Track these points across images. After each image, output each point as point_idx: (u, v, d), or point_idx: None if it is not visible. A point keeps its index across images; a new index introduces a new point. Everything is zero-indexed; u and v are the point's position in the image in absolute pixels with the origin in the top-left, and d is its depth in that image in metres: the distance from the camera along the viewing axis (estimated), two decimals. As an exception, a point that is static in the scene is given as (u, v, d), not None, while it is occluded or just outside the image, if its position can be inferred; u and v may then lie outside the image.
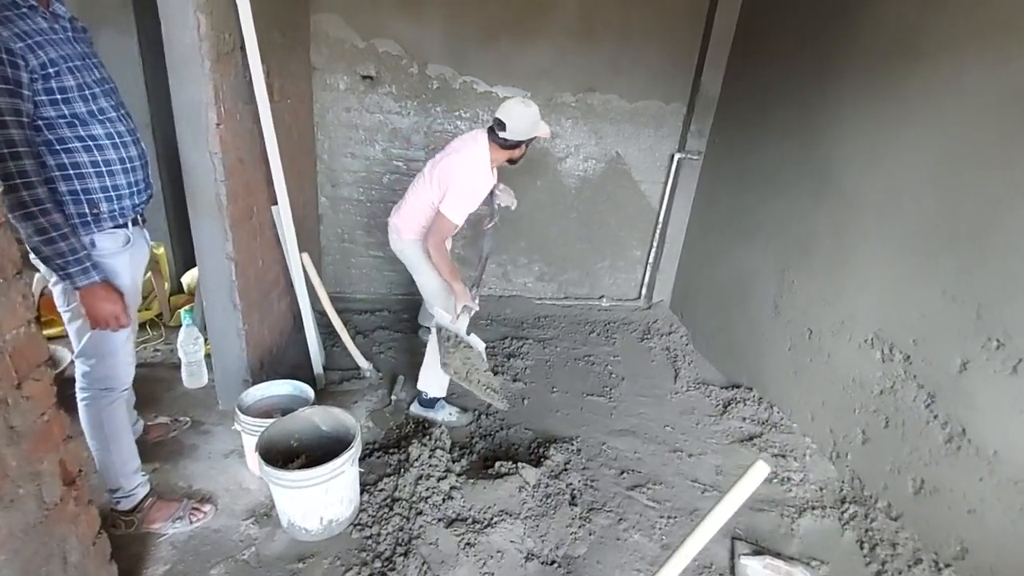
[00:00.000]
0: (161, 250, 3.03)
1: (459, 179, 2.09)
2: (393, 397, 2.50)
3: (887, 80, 2.08)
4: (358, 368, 2.68)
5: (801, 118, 2.58)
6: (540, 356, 3.11)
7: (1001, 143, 1.64)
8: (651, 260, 3.86)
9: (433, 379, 2.31)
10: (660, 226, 3.76)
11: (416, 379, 2.39)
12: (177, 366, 2.51)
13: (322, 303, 2.51)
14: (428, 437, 2.11)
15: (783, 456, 2.31)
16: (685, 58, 3.40)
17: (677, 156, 3.56)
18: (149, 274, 2.98)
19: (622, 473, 2.16)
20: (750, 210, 2.97)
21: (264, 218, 2.41)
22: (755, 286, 2.87)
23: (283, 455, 1.82)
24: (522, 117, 2.07)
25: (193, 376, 2.50)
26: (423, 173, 2.30)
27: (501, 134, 2.09)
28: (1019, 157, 1.58)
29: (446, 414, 2.42)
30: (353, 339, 3.03)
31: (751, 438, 2.44)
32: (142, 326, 3.02)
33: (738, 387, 2.86)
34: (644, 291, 3.96)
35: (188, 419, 2.28)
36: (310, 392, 2.06)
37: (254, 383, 2.31)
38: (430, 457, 1.98)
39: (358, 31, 3.07)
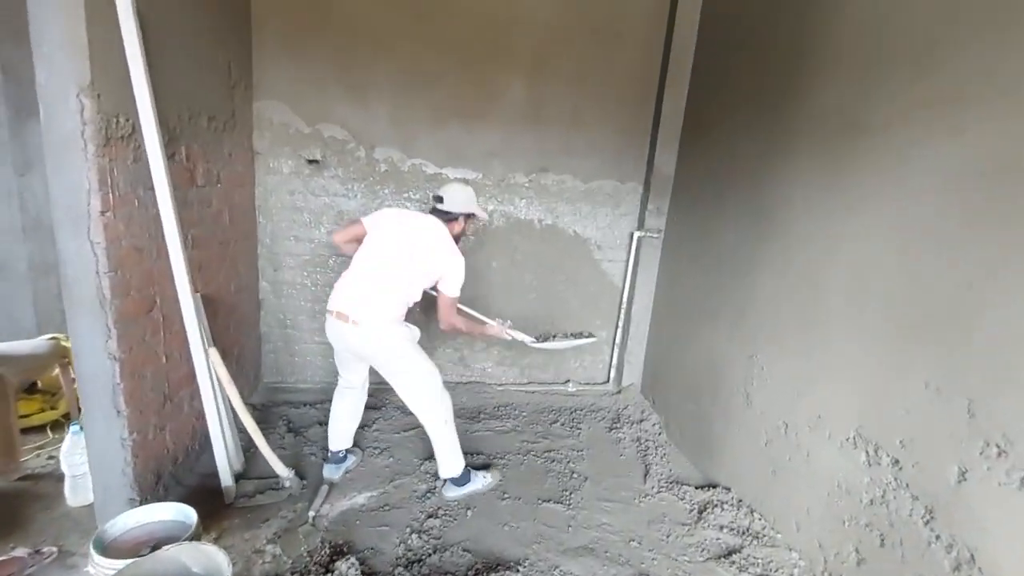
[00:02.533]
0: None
1: (454, 262, 2.22)
2: (312, 513, 2.13)
3: (834, 156, 1.98)
4: (278, 476, 2.32)
5: (755, 197, 2.47)
6: (494, 451, 2.77)
7: (969, 219, 1.48)
8: (618, 341, 3.63)
9: (452, 456, 2.32)
10: (625, 305, 3.57)
11: (344, 483, 2.05)
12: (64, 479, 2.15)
13: (232, 402, 2.20)
14: (328, 573, 1.74)
15: (767, 578, 1.95)
16: (637, 139, 3.38)
17: (637, 234, 3.45)
18: (57, 369, 2.69)
19: (573, 611, 1.78)
20: (713, 291, 2.80)
21: (174, 309, 2.16)
22: (724, 372, 2.62)
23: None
24: (458, 191, 2.34)
25: (77, 492, 2.13)
26: (388, 257, 2.19)
27: (439, 206, 2.30)
28: (991, 233, 1.42)
29: (482, 482, 2.42)
30: (284, 436, 2.73)
31: (730, 553, 2.09)
32: (41, 428, 2.68)
33: (715, 487, 2.53)
34: (612, 374, 3.70)
35: (55, 549, 1.89)
36: (193, 518, 1.72)
37: (144, 501, 1.98)
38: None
39: (303, 117, 3.01)
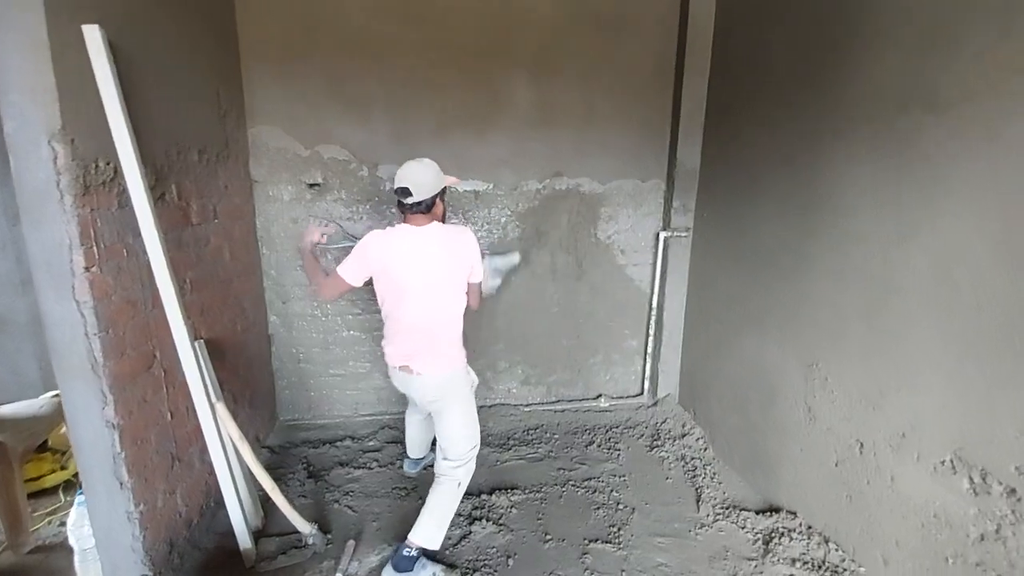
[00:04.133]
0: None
1: (471, 248, 1.97)
2: (339, 575, 1.94)
3: (897, 137, 1.74)
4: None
5: (798, 188, 2.24)
6: (530, 483, 2.57)
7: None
8: (650, 350, 3.40)
9: (440, 527, 1.99)
10: (655, 312, 3.34)
11: (371, 534, 1.93)
12: (78, 551, 1.99)
13: (245, 458, 2.02)
14: None
15: (856, 624, 1.72)
16: (657, 134, 3.15)
17: (663, 235, 3.22)
18: (65, 427, 2.54)
19: None
20: (755, 292, 2.56)
21: (175, 360, 1.99)
22: (777, 382, 2.39)
23: None
24: (420, 175, 1.85)
25: (88, 567, 1.96)
26: (423, 297, 1.90)
27: (409, 202, 1.84)
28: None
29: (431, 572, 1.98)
30: (304, 483, 2.55)
31: (808, 593, 1.86)
32: (53, 491, 2.53)
33: (777, 511, 2.30)
34: (647, 385, 3.47)
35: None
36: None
37: (158, 575, 1.80)
38: None
39: (301, 140, 2.84)
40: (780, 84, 2.36)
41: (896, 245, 1.77)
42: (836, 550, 2.02)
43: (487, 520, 2.26)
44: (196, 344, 2.09)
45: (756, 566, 2.01)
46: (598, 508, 2.39)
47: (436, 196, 1.90)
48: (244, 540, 2.02)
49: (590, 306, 3.34)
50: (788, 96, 2.30)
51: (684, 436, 3.04)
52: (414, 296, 1.90)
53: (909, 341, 1.73)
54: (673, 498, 2.49)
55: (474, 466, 2.11)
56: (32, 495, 2.39)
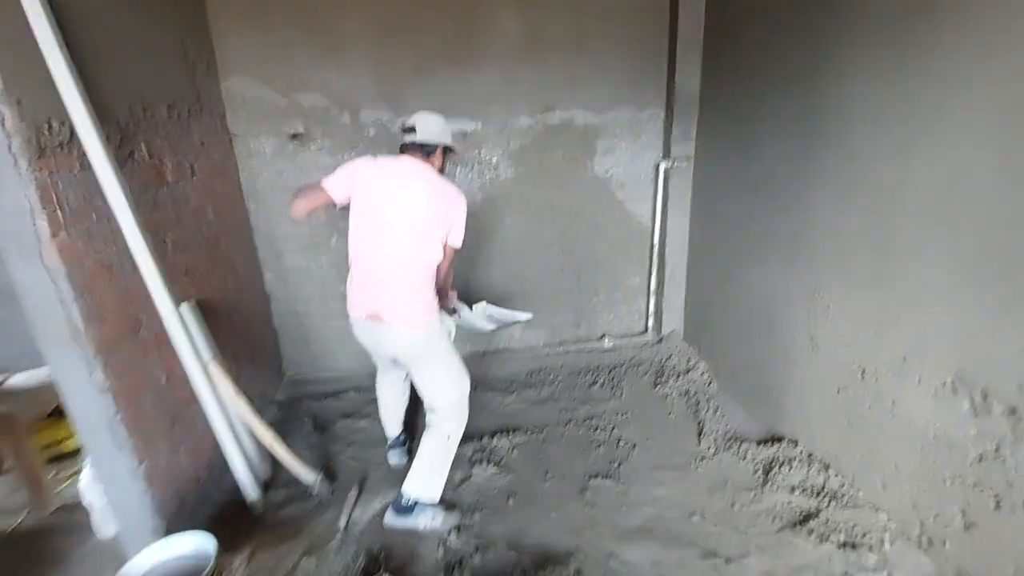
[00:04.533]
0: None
1: (460, 206, 1.90)
2: (343, 521, 2.00)
3: (907, 41, 1.57)
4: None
5: (801, 104, 2.07)
6: (532, 425, 2.59)
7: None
8: (653, 287, 3.33)
9: (436, 479, 1.98)
10: (656, 247, 3.25)
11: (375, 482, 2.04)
12: (100, 509, 2.08)
13: (243, 414, 2.04)
14: None
15: (853, 546, 1.73)
16: (653, 59, 2.94)
17: (662, 165, 3.07)
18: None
19: (639, 607, 1.61)
20: (758, 219, 2.44)
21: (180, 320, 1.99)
22: (780, 312, 2.32)
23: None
24: (430, 120, 1.92)
25: (104, 524, 2.06)
26: (397, 231, 1.81)
27: (412, 139, 1.88)
28: None
29: (428, 519, 1.97)
30: (310, 434, 2.60)
31: (806, 519, 1.87)
32: (75, 453, 2.63)
33: (779, 440, 2.29)
34: (651, 323, 3.43)
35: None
36: (212, 550, 1.59)
37: (170, 528, 1.87)
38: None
39: (277, 89, 2.70)
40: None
41: (900, 163, 1.63)
42: (836, 476, 2.01)
43: (488, 462, 2.30)
44: (185, 306, 2.09)
45: (755, 495, 2.02)
46: (599, 446, 2.41)
47: (439, 147, 1.90)
48: (250, 492, 2.08)
49: (589, 245, 3.26)
50: (788, 12, 2.09)
51: (688, 372, 3.02)
52: (390, 230, 1.81)
53: (912, 264, 1.63)
54: (675, 433, 2.49)
55: (465, 416, 2.02)
56: (54, 459, 2.49)
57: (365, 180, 1.83)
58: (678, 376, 2.98)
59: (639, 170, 3.15)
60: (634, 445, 2.40)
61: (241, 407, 1.99)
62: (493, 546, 1.86)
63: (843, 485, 1.97)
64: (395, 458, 2.38)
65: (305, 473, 2.15)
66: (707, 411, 2.63)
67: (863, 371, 1.87)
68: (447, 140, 1.93)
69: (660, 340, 3.37)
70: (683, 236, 3.18)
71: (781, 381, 2.34)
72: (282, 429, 2.65)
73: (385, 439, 2.46)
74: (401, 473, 2.25)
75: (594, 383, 2.98)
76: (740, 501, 2.00)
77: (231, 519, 2.06)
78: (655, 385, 2.92)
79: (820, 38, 1.92)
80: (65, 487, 2.40)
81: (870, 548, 1.71)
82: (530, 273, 3.24)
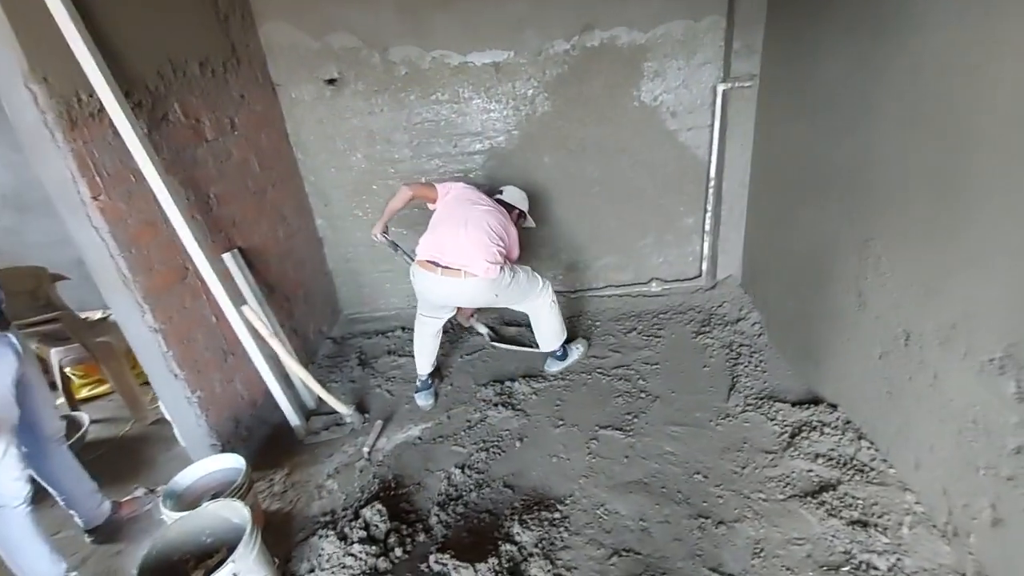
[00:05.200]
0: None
1: (514, 251, 2.42)
2: (367, 449, 2.22)
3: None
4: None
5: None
6: (555, 373, 2.60)
7: None
8: (708, 228, 3.05)
9: (557, 334, 2.55)
10: (713, 183, 2.92)
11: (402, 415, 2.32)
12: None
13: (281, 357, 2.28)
14: (357, 519, 1.78)
15: (865, 524, 1.57)
16: (712, -48, 2.49)
17: (721, 88, 2.69)
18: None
19: (611, 558, 1.62)
20: (816, 150, 2.09)
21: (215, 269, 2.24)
22: (831, 261, 2.02)
23: (195, 555, 1.64)
24: (514, 191, 2.59)
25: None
26: (478, 218, 2.29)
27: (498, 196, 2.52)
28: None
29: (577, 352, 2.68)
30: (354, 369, 2.84)
31: (821, 490, 1.72)
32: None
33: (817, 404, 2.08)
34: (705, 267, 3.17)
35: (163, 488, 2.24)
36: (242, 468, 1.86)
37: (226, 446, 2.21)
38: (344, 557, 1.65)
39: (308, 32, 2.72)
40: None
41: (976, 78, 1.27)
42: (869, 448, 1.80)
43: (506, 406, 2.37)
44: (228, 255, 2.33)
45: (772, 459, 1.89)
46: (619, 396, 2.37)
47: (516, 209, 2.53)
48: (293, 419, 2.37)
49: (637, 183, 3.02)
50: None
51: (739, 321, 2.79)
52: (473, 219, 2.25)
53: (977, 212, 1.31)
54: (704, 387, 2.36)
55: (550, 284, 2.50)
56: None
57: (464, 188, 2.41)
58: (725, 326, 2.78)
59: (694, 95, 2.79)
60: (656, 398, 2.33)
61: (277, 347, 2.22)
62: (492, 484, 1.96)
63: (874, 459, 1.76)
64: (423, 399, 2.53)
65: (340, 406, 2.39)
66: (747, 366, 2.44)
67: (908, 336, 1.59)
68: (523, 206, 2.57)
69: (714, 286, 3.12)
70: (743, 171, 2.82)
71: (826, 338, 2.08)
72: (334, 362, 2.95)
73: (416, 379, 2.62)
74: (427, 414, 2.42)
75: (632, 330, 2.88)
76: (753, 464, 1.88)
77: (280, 439, 2.37)
78: (697, 335, 2.75)
79: None
80: (159, 404, 2.90)
81: (884, 530, 1.54)
82: (570, 214, 3.11)
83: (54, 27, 1.61)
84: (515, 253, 2.41)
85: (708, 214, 3.01)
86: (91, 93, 1.73)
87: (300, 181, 3.09)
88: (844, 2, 1.82)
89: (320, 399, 2.59)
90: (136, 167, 1.88)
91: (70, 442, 2.31)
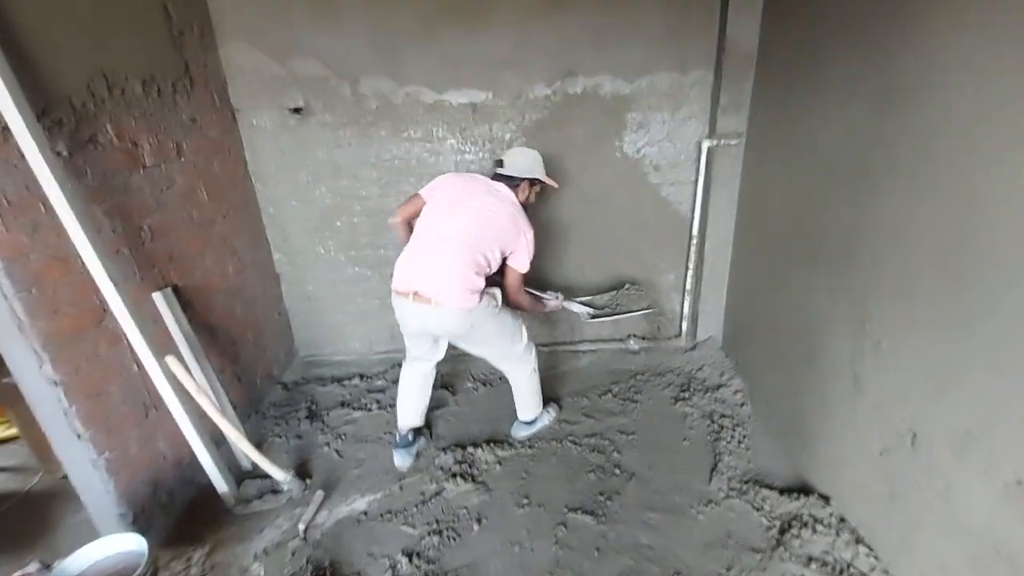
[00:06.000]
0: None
1: (527, 234, 2.03)
2: (302, 526, 1.92)
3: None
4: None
5: (870, 68, 1.57)
6: (523, 439, 2.36)
7: None
8: (689, 286, 2.91)
9: (534, 400, 2.34)
10: (696, 241, 2.80)
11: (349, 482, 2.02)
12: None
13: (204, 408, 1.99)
14: None
15: (870, 657, 1.36)
16: (700, 5, 2.43)
17: (706, 144, 2.59)
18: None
19: None
20: (807, 216, 1.97)
21: (138, 312, 1.96)
22: (823, 337, 1.87)
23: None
24: (518, 155, 2.14)
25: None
26: (460, 226, 1.96)
27: (500, 171, 2.11)
28: None
29: (547, 417, 2.44)
30: (301, 422, 2.55)
31: (816, 605, 1.51)
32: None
33: (808, 493, 1.89)
34: (685, 326, 3.01)
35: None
36: (144, 549, 1.56)
37: (140, 514, 1.90)
38: None
39: (273, 56, 2.54)
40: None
41: (995, 161, 1.15)
42: (868, 555, 1.61)
43: (465, 477, 2.12)
44: (161, 293, 2.06)
45: (760, 560, 1.68)
46: (592, 471, 2.14)
47: (525, 180, 2.11)
48: (221, 485, 2.06)
49: (615, 235, 2.88)
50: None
51: (720, 388, 2.62)
52: (453, 224, 1.95)
53: (995, 303, 1.16)
54: (684, 463, 2.16)
55: (534, 347, 2.27)
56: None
57: (450, 183, 2.06)
58: (706, 392, 2.60)
59: (678, 150, 2.69)
60: (632, 475, 2.11)
61: (205, 404, 1.94)
62: (442, 580, 1.69)
63: (874, 569, 1.57)
64: (400, 458, 2.23)
65: (277, 471, 2.09)
66: (730, 441, 2.25)
67: (914, 436, 1.43)
68: (534, 173, 2.12)
69: (694, 347, 2.96)
70: (727, 230, 2.71)
71: (817, 420, 1.91)
72: (281, 412, 2.66)
73: (391, 436, 2.37)
74: (376, 483, 2.14)
75: (607, 392, 2.67)
76: (740, 565, 1.67)
77: (204, 506, 2.06)
78: (676, 401, 2.56)
79: None
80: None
81: (892, 664, 1.33)
82: (545, 264, 2.94)
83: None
84: (526, 254, 2.03)
85: (689, 272, 2.88)
86: (-4, 112, 1.49)
87: (257, 213, 2.85)
88: (841, 67, 1.73)
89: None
90: (45, 195, 1.63)
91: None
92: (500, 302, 2.11)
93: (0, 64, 1.44)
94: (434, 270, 1.91)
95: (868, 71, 1.59)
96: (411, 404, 2.26)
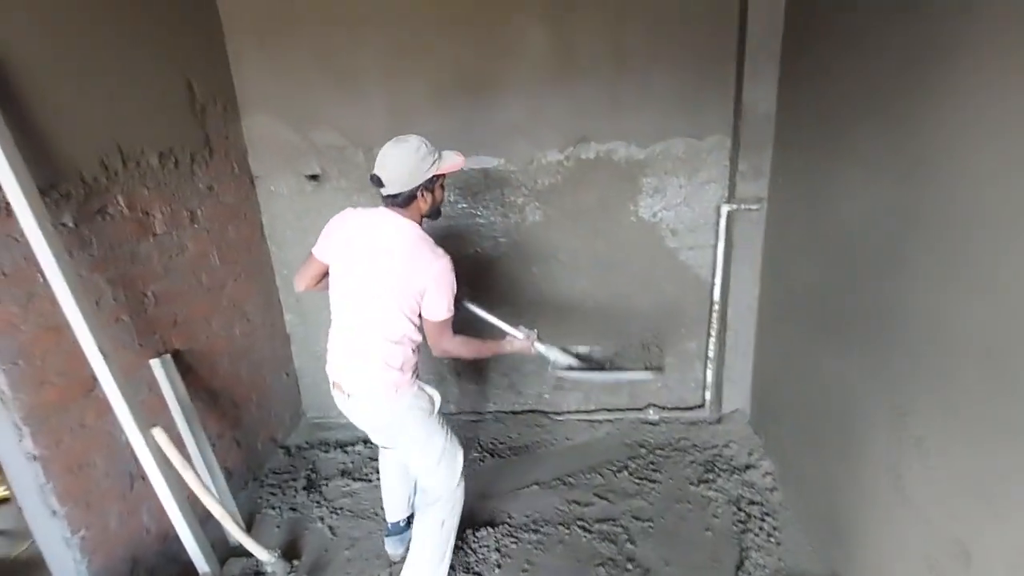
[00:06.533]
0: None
1: (432, 270, 1.55)
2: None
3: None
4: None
5: (894, 142, 1.46)
6: (529, 519, 2.18)
7: None
8: (712, 354, 2.72)
9: (430, 570, 1.77)
10: (717, 307, 2.64)
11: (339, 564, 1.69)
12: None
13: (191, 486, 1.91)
14: None
15: None
16: (716, 70, 2.40)
17: (726, 209, 2.48)
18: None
19: None
20: (833, 290, 1.81)
21: (131, 380, 1.94)
22: (858, 426, 1.67)
23: None
24: (395, 161, 1.56)
25: None
26: (359, 294, 1.62)
27: (383, 191, 1.59)
28: None
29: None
30: (298, 493, 2.44)
31: None
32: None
33: (847, 607, 1.63)
34: (709, 397, 2.81)
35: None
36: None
37: (114, 599, 1.79)
38: None
39: (293, 126, 2.62)
40: (871, -21, 1.54)
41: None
42: None
43: (461, 569, 1.94)
44: (159, 360, 2.04)
45: None
46: (601, 564, 1.93)
47: (417, 188, 1.57)
48: (202, 565, 1.95)
49: (633, 300, 2.75)
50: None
51: (748, 469, 2.38)
52: (354, 295, 1.63)
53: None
54: (706, 559, 1.93)
55: (460, 499, 1.81)
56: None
57: (337, 239, 1.67)
58: (732, 473, 2.37)
59: (696, 214, 2.59)
60: (647, 571, 1.89)
61: (190, 479, 1.86)
62: None
63: None
64: (392, 547, 2.05)
65: (262, 552, 1.97)
66: (758, 533, 2.01)
67: (967, 555, 1.20)
68: (421, 178, 1.57)
69: (719, 420, 2.74)
70: (751, 296, 2.55)
71: (856, 519, 1.68)
72: (280, 480, 2.56)
73: (380, 516, 2.19)
74: (369, 567, 2.00)
75: (624, 468, 2.47)
76: None
77: (189, 586, 1.94)
78: (699, 482, 2.34)
79: (930, 36, 1.31)
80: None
81: None
82: (559, 327, 2.81)
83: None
84: (439, 295, 1.56)
85: (712, 339, 2.70)
86: (-1, 188, 1.52)
87: (271, 275, 2.87)
88: (862, 137, 1.62)
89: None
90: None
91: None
92: (434, 408, 1.75)
93: (5, 142, 1.47)
94: (345, 355, 1.67)
95: (891, 141, 1.48)
96: (392, 496, 2.05)
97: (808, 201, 2.01)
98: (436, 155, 1.60)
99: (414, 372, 1.70)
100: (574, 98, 2.48)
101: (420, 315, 1.61)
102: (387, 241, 1.57)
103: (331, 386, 1.75)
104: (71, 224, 1.73)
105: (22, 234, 1.56)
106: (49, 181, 1.66)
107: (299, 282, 1.83)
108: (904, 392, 1.43)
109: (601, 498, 2.29)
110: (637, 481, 2.38)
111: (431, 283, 1.55)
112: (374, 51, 2.47)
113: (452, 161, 1.63)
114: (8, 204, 1.51)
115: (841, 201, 1.75)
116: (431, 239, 1.61)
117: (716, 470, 2.40)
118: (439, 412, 1.77)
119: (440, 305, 1.57)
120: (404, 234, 1.58)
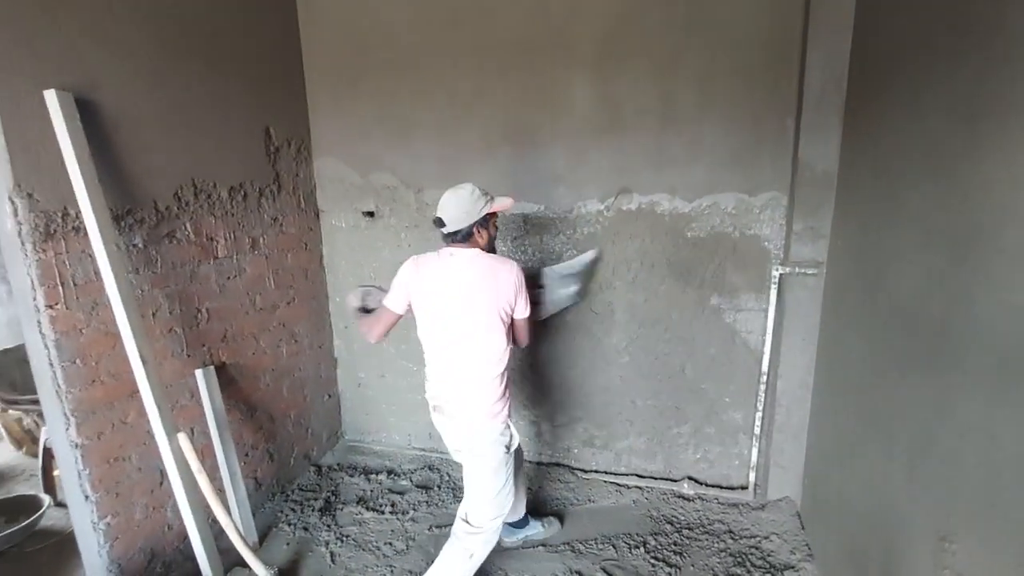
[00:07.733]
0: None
1: (513, 282, 1.78)
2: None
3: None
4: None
5: (948, 207, 1.25)
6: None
7: None
8: (758, 429, 2.43)
9: None
10: (767, 377, 2.37)
11: None
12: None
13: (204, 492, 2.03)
14: None
15: None
16: (771, 124, 2.24)
17: (778, 272, 2.25)
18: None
19: None
20: (886, 385, 1.55)
21: (176, 388, 2.16)
22: (899, 542, 1.38)
23: None
24: (452, 204, 1.77)
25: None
26: (457, 327, 1.78)
27: (445, 232, 1.80)
28: None
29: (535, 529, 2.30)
30: (312, 514, 2.52)
31: None
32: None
33: None
34: (754, 477, 2.49)
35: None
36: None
37: (130, 581, 1.95)
38: None
39: (356, 168, 2.85)
40: (934, 34, 1.36)
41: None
42: None
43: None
44: (202, 371, 2.24)
45: None
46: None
47: (474, 225, 1.78)
48: (207, 570, 2.05)
49: (673, 359, 2.56)
50: (945, 52, 1.30)
51: (786, 570, 2.06)
52: (443, 325, 1.80)
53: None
54: (709, 674, 1.66)
55: (495, 538, 1.91)
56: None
57: (416, 288, 1.84)
58: (767, 572, 2.05)
59: (746, 276, 2.38)
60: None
61: (203, 484, 1.99)
62: None
63: None
64: (506, 535, 2.24)
65: (260, 569, 2.05)
66: (782, 654, 1.70)
67: None
68: (476, 216, 1.77)
69: (763, 506, 2.42)
70: (806, 371, 2.26)
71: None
72: (304, 497, 2.67)
73: (420, 505, 2.42)
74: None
75: (643, 544, 2.25)
76: None
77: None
78: (725, 576, 2.06)
79: (991, 93, 1.12)
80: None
81: None
82: (592, 383, 2.69)
83: (55, 149, 1.71)
84: (523, 297, 1.81)
85: (760, 412, 2.42)
86: (77, 211, 1.79)
87: (326, 301, 3.08)
88: (917, 202, 1.40)
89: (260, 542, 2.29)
90: (114, 280, 1.89)
91: (12, 528, 2.22)
92: (514, 446, 1.91)
93: (87, 174, 1.74)
94: (450, 383, 1.85)
95: (942, 208, 1.26)
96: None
97: (863, 272, 1.76)
98: (488, 197, 1.80)
99: (507, 406, 1.87)
100: (617, 149, 2.43)
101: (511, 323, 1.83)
102: (464, 273, 1.77)
103: (431, 409, 1.93)
104: (140, 245, 1.99)
105: (93, 252, 1.83)
106: (127, 207, 1.94)
107: (371, 335, 1.96)
108: (945, 510, 1.16)
109: (607, 574, 2.10)
110: (653, 562, 2.15)
111: (517, 287, 1.79)
112: (429, 105, 2.63)
113: (503, 201, 1.84)
114: (84, 225, 1.79)
115: (894, 276, 1.51)
116: (497, 257, 1.83)
117: (748, 565, 2.10)
118: (513, 452, 1.91)
119: (526, 302, 1.84)
120: (475, 261, 1.77)
